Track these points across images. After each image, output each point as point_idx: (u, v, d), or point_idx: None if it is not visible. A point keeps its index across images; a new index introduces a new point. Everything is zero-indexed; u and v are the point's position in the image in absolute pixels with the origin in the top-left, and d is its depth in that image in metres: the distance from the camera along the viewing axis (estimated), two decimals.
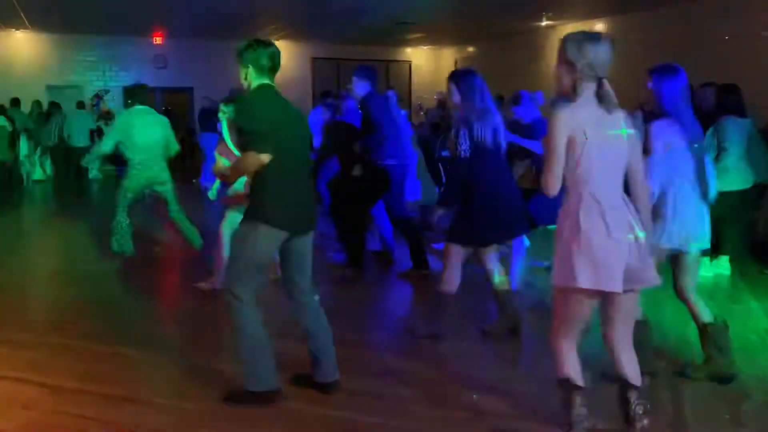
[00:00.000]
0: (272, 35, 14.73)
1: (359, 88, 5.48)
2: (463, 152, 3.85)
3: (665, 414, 3.22)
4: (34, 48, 14.23)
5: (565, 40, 2.53)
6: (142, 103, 5.99)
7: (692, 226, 3.41)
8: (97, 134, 11.61)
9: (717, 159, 5.45)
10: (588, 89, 2.52)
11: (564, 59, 2.51)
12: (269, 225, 3.08)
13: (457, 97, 3.98)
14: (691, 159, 3.39)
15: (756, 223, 6.51)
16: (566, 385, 2.63)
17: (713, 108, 5.69)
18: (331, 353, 3.36)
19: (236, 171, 3.35)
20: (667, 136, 3.33)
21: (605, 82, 2.54)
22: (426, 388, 3.46)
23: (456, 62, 17.00)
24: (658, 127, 3.34)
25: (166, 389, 3.41)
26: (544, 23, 12.25)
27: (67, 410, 3.22)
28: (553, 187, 2.50)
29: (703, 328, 3.55)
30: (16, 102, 12.20)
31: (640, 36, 10.55)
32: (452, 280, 4.02)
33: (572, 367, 2.64)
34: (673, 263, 3.53)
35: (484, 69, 5.57)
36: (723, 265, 5.75)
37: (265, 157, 3.02)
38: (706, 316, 3.55)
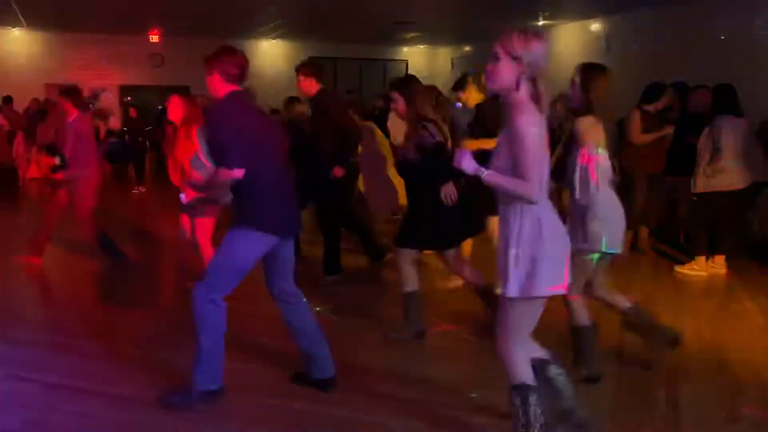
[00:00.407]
0: (269, 34, 14.72)
1: (307, 86, 5.23)
2: (438, 139, 3.88)
3: (661, 410, 3.24)
4: (32, 46, 14.18)
5: (512, 34, 2.41)
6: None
7: (618, 230, 3.42)
8: (95, 132, 11.53)
9: (712, 159, 5.49)
10: (527, 88, 2.44)
11: (510, 53, 2.39)
12: (262, 231, 3.10)
13: (401, 104, 4.00)
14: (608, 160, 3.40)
15: (750, 223, 6.55)
16: (523, 388, 2.57)
17: (709, 108, 5.72)
18: (325, 349, 3.39)
19: (210, 186, 3.33)
20: (597, 134, 3.32)
21: (540, 82, 2.45)
22: (426, 387, 3.47)
23: (452, 61, 17.01)
24: (589, 123, 3.31)
25: (165, 388, 3.41)
26: (540, 23, 12.24)
27: (66, 409, 3.23)
28: (538, 193, 2.40)
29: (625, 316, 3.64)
30: (9, 100, 12.15)
31: (637, 36, 10.57)
32: (411, 279, 4.08)
33: (527, 372, 2.59)
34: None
35: (480, 68, 5.57)
36: (719, 264, 5.78)
37: (238, 173, 3.02)
38: (625, 303, 3.62)
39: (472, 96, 5.16)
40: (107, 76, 14.60)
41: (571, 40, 12.24)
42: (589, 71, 3.43)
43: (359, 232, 5.79)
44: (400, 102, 4.03)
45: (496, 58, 2.42)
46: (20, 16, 12.15)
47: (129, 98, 15.12)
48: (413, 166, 3.92)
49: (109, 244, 5.92)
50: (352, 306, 4.93)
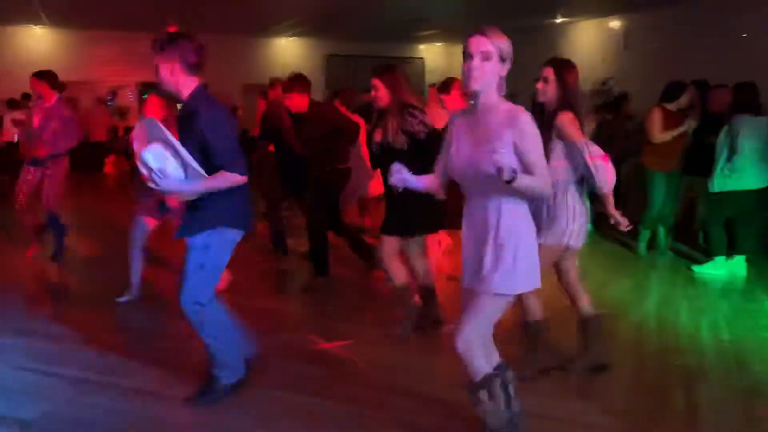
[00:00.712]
0: (286, 32, 14.77)
1: (301, 103, 5.00)
2: (430, 125, 3.85)
3: (678, 410, 3.22)
4: (51, 44, 14.34)
5: (498, 32, 2.38)
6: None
7: (585, 224, 3.41)
8: (114, 130, 11.65)
9: (729, 159, 5.42)
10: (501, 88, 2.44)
11: (500, 55, 2.37)
12: (234, 228, 3.08)
13: (383, 92, 3.87)
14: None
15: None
16: (486, 380, 2.56)
17: (728, 108, 5.66)
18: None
19: (208, 190, 2.98)
20: (578, 130, 3.26)
21: None
22: (439, 382, 3.47)
23: None
24: (572, 118, 3.24)
25: (177, 381, 3.44)
26: (558, 20, 12.18)
27: (84, 401, 3.26)
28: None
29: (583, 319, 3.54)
30: (27, 97, 12.27)
31: (656, 33, 10.47)
32: (398, 272, 4.02)
33: (484, 363, 2.57)
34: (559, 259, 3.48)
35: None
36: (738, 264, 5.72)
37: (244, 177, 2.95)
38: (589, 309, 3.54)
39: (457, 101, 5.05)
40: (126, 73, 14.73)
41: (590, 38, 12.16)
42: (564, 66, 3.34)
43: (348, 235, 5.60)
44: (381, 89, 3.89)
45: (486, 58, 2.35)
46: (41, 13, 12.29)
47: (147, 95, 15.27)
48: (398, 153, 3.74)
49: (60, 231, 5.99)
50: (354, 304, 4.95)
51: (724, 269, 5.68)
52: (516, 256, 2.42)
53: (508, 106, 2.41)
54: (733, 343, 4.12)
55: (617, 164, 7.57)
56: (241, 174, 2.95)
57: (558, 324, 3.77)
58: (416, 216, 3.91)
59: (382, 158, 3.98)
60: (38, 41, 14.30)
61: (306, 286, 5.29)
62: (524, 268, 2.45)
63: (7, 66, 13.08)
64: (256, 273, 5.79)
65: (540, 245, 2.81)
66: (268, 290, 5.43)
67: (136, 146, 3.00)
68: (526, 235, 2.46)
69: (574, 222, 3.31)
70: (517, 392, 2.61)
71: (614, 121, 7.85)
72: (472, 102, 2.48)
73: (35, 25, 13.93)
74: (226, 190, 2.97)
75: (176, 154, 2.88)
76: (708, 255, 5.90)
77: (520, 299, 3.33)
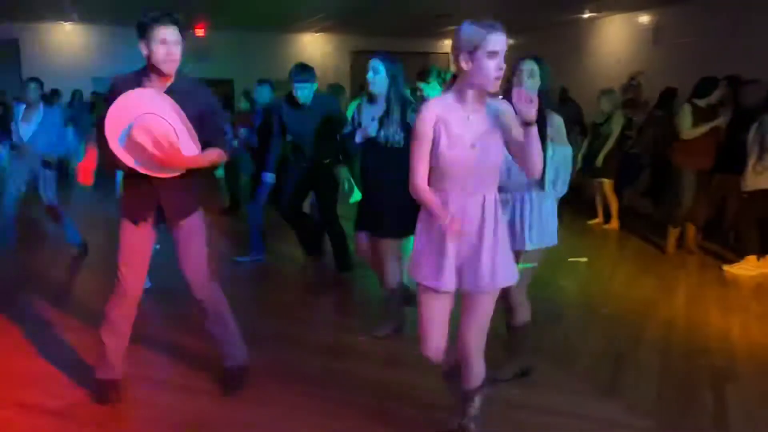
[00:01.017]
0: (312, 27, 14.80)
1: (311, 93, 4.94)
2: None
3: (707, 409, 3.17)
4: (81, 40, 14.55)
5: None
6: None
7: None
8: None
9: (761, 157, 5.32)
10: None
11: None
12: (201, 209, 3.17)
13: (383, 77, 3.75)
14: None
15: None
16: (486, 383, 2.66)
17: (761, 103, 5.56)
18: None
19: (196, 163, 2.96)
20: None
21: None
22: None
23: None
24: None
25: (201, 374, 3.46)
26: (586, 15, 12.03)
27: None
28: None
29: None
30: (54, 93, 12.43)
31: (686, 28, 10.30)
32: (393, 273, 3.94)
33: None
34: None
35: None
36: None
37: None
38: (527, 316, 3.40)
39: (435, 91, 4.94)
40: None
41: (618, 33, 12.00)
42: (543, 63, 3.18)
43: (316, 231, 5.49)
44: (381, 74, 3.74)
45: (505, 57, 2.35)
46: (72, 10, 12.47)
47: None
48: (394, 151, 3.65)
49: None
50: (373, 298, 4.94)
51: (756, 269, 5.59)
52: (507, 247, 2.49)
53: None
54: (763, 344, 4.04)
55: (657, 160, 7.45)
56: (227, 152, 3.04)
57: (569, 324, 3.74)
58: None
59: (374, 155, 3.81)
60: (67, 37, 14.51)
61: (328, 282, 5.30)
62: (513, 259, 2.53)
63: (37, 63, 13.33)
64: (267, 269, 5.82)
65: (530, 251, 2.97)
66: (283, 286, 5.43)
67: (121, 113, 2.90)
68: (504, 227, 2.50)
69: (554, 222, 3.25)
70: (542, 391, 2.61)
71: (667, 118, 7.65)
72: (455, 95, 2.41)
73: (65, 21, 14.14)
74: (203, 171, 3.04)
75: (175, 124, 2.87)
76: (739, 254, 5.81)
77: (510, 302, 3.27)
